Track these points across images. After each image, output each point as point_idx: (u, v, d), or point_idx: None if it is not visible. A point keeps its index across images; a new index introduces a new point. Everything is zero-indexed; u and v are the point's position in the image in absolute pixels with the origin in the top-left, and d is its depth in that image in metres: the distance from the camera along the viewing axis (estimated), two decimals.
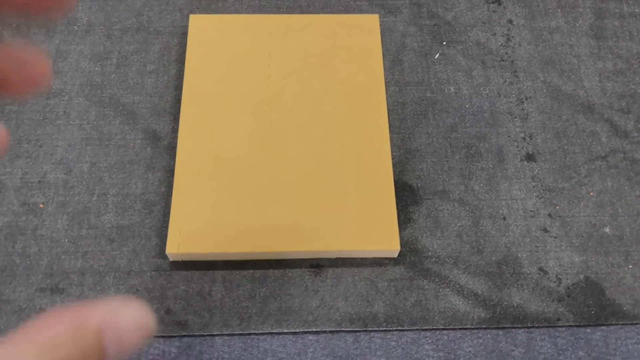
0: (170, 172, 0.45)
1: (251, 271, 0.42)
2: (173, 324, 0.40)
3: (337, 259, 0.42)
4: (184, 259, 0.41)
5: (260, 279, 0.42)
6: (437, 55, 0.52)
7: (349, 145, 0.45)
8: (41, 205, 0.43)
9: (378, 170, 0.44)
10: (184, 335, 0.40)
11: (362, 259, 0.42)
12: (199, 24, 0.50)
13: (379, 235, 0.41)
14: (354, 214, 0.42)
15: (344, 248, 0.41)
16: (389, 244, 0.41)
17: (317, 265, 0.42)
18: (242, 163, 0.43)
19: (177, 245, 0.40)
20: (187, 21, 0.51)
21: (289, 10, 0.53)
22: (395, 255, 0.42)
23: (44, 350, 0.16)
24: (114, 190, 0.44)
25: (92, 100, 0.48)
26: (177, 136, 0.45)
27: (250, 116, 0.46)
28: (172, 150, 0.46)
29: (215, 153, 0.44)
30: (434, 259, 0.43)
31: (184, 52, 0.51)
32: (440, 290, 0.42)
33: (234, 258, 0.42)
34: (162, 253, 0.42)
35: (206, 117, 0.45)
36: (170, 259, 0.41)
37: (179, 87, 0.49)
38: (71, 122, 0.47)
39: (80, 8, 0.52)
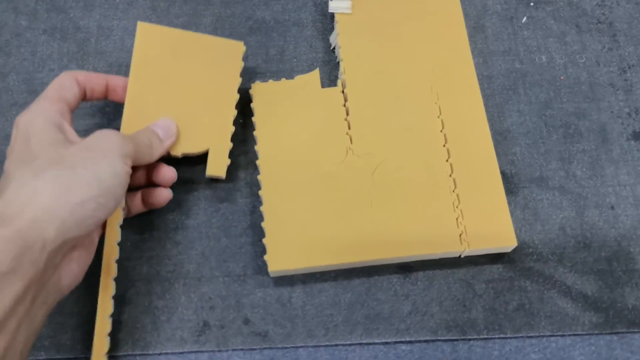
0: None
1: (333, 275, 0.38)
2: (252, 335, 0.36)
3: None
4: (282, 274, 0.37)
5: (344, 284, 0.38)
6: (525, 19, 0.46)
7: (443, 136, 0.40)
8: None
9: (480, 160, 0.39)
10: (265, 348, 0.36)
11: (455, 258, 0.38)
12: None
13: (493, 231, 0.37)
14: (463, 210, 0.37)
15: (458, 249, 0.37)
16: (505, 240, 0.37)
17: (405, 266, 0.38)
18: (327, 168, 0.39)
19: (279, 262, 0.36)
20: None
21: None
22: (509, 250, 0.38)
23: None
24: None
25: None
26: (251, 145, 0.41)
27: (329, 109, 0.41)
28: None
29: (298, 162, 0.39)
30: (535, 256, 0.38)
31: (239, 21, 0.46)
32: (545, 291, 0.37)
33: (333, 268, 0.38)
34: (233, 256, 0.38)
35: (279, 122, 0.40)
36: (272, 276, 0.37)
37: None
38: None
39: None
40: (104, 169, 0.31)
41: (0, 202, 0.29)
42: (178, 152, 0.38)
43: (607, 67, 0.44)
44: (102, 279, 0.35)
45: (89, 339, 0.34)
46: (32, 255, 0.28)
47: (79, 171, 0.30)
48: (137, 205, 0.38)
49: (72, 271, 0.31)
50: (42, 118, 0.32)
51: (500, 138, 0.42)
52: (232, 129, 0.39)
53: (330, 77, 0.44)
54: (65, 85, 0.35)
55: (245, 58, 0.41)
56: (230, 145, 0.39)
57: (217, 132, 0.39)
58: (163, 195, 0.38)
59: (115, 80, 0.38)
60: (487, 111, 0.42)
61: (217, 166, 0.38)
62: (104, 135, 0.33)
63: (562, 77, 0.44)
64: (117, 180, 0.31)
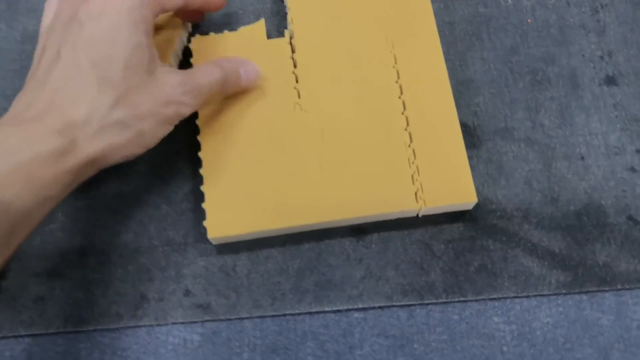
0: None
1: (281, 241, 0.35)
2: (193, 308, 0.34)
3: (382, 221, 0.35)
4: (225, 241, 0.35)
5: (292, 250, 0.35)
6: None
7: (398, 87, 0.36)
8: None
9: (438, 112, 0.36)
10: (208, 320, 0.34)
11: (412, 218, 0.35)
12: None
13: (452, 187, 0.34)
14: (419, 166, 0.34)
15: (414, 207, 0.34)
16: (465, 196, 0.34)
17: (358, 229, 0.35)
18: (273, 125, 0.36)
19: (219, 228, 0.33)
20: None
21: None
22: (470, 208, 0.35)
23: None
24: None
25: None
26: None
27: (274, 61, 0.37)
28: None
29: (241, 119, 0.36)
30: (499, 213, 0.36)
31: None
32: (509, 250, 0.35)
33: (281, 233, 0.35)
34: (173, 223, 0.35)
35: None
36: (213, 243, 0.35)
37: None
38: None
39: None
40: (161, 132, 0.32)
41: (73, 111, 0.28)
42: None
43: (578, 8, 0.41)
44: None
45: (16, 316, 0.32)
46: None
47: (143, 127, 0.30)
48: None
49: None
50: (135, 27, 0.30)
51: (463, 88, 0.39)
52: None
53: (279, 29, 0.40)
54: None
55: None
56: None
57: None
58: None
59: None
60: (448, 60, 0.38)
61: None
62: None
63: (529, 20, 0.40)
64: None
